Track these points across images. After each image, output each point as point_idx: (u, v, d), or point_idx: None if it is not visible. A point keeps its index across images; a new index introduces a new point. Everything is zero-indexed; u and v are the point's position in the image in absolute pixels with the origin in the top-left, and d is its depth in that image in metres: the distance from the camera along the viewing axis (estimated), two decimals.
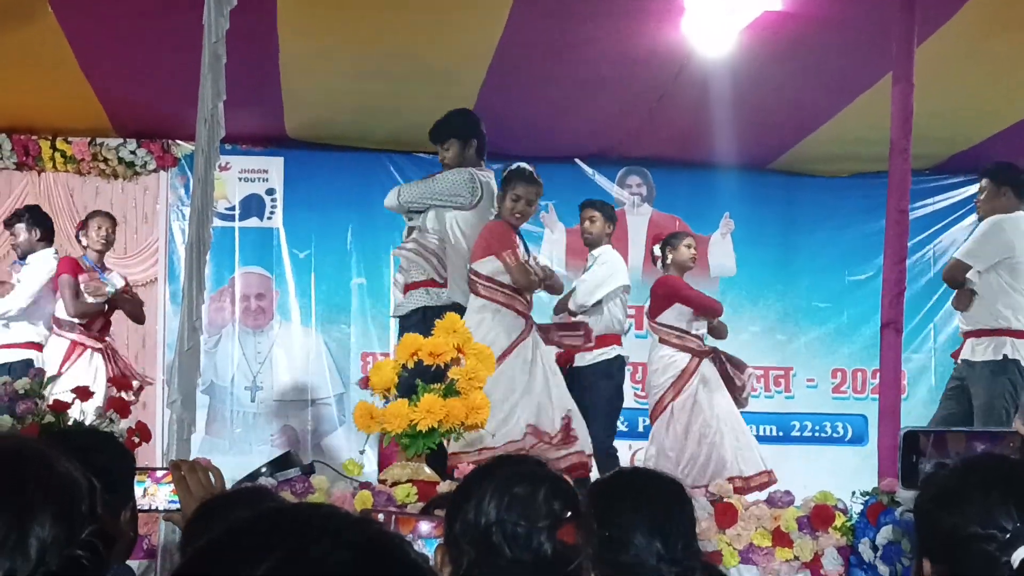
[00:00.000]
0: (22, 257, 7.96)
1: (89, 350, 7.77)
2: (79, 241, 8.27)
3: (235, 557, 1.03)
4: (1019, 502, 1.68)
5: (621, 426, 8.19)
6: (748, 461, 7.42)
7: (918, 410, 9.78)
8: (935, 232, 10.15)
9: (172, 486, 2.93)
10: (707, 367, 7.66)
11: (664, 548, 2.40)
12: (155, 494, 2.97)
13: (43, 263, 7.87)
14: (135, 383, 7.58)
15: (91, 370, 7.60)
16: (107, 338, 7.92)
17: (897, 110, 6.01)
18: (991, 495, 1.70)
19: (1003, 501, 1.69)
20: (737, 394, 7.72)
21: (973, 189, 10.19)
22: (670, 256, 7.83)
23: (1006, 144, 9.12)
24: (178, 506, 2.92)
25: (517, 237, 6.73)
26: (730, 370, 7.69)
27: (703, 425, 7.53)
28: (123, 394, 6.30)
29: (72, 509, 1.43)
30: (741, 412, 7.76)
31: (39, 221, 8.03)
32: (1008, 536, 1.66)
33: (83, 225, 8.24)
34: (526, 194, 6.66)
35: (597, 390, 7.41)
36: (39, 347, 7.77)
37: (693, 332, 7.72)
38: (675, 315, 7.72)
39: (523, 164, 6.80)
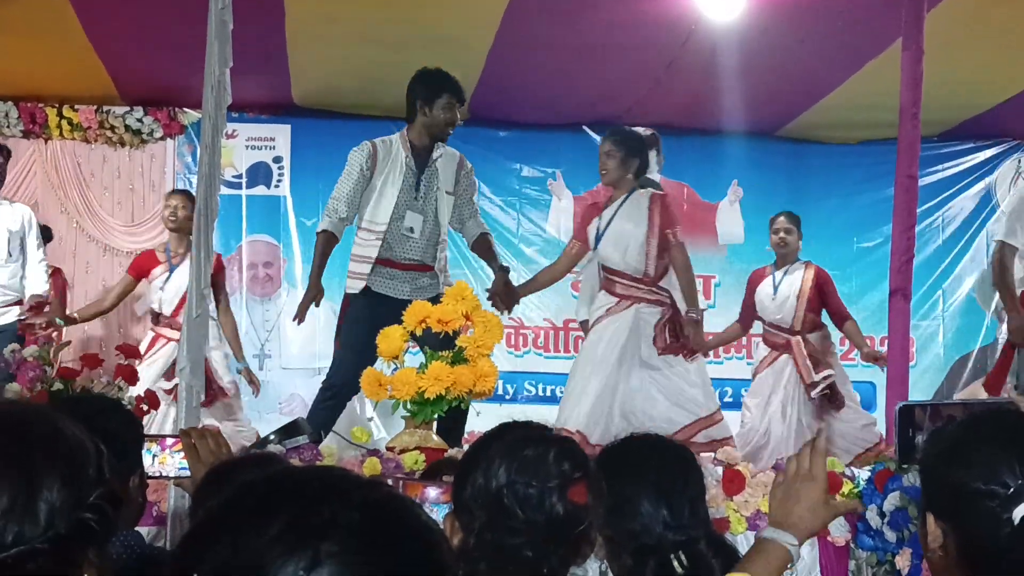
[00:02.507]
0: None
1: (172, 343, 7.58)
2: None
3: (246, 517, 1.04)
4: (1022, 457, 1.68)
5: None
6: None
7: (926, 377, 9.79)
8: (944, 199, 10.12)
9: (182, 453, 2.95)
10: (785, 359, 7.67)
11: (670, 515, 2.41)
12: (165, 461, 2.99)
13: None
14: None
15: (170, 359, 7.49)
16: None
17: (907, 76, 5.97)
18: (995, 449, 1.70)
19: (1007, 456, 1.69)
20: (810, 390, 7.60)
21: (983, 156, 10.19)
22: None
23: (1016, 110, 9.09)
24: (188, 473, 2.93)
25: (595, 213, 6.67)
26: (802, 366, 7.58)
27: (761, 409, 7.57)
28: (132, 362, 6.32)
29: (79, 473, 1.43)
30: None
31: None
32: (1011, 492, 1.66)
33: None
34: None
35: None
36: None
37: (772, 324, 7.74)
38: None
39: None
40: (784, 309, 7.71)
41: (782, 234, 7.80)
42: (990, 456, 1.70)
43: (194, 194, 7.94)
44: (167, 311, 7.78)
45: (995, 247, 6.67)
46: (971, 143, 10.04)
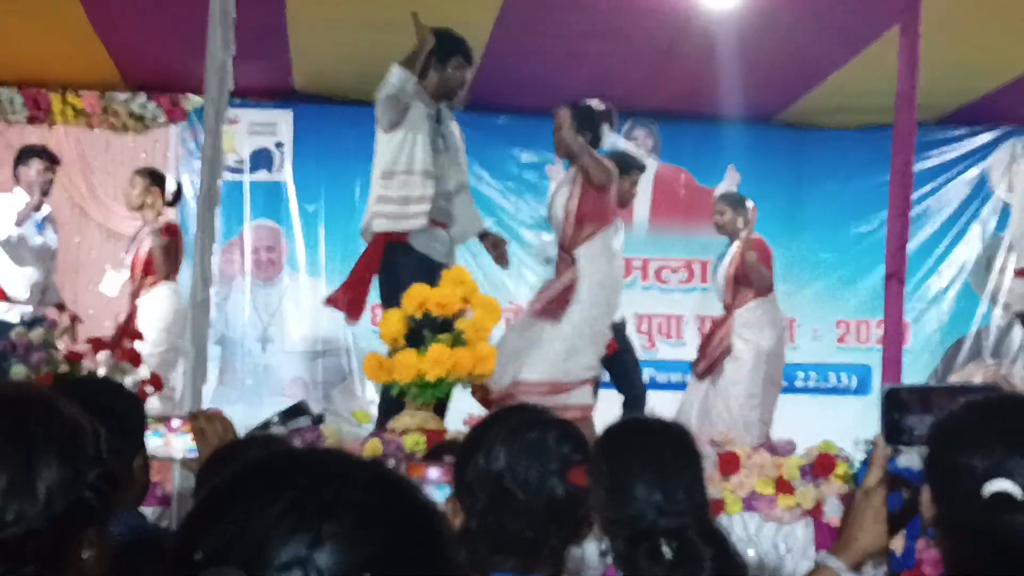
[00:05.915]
0: (44, 193, 7.75)
1: None
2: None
3: (250, 496, 1.05)
4: (1010, 439, 1.72)
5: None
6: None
7: (921, 360, 9.83)
8: (939, 184, 10.14)
9: (189, 435, 3.00)
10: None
11: (664, 501, 2.39)
12: (171, 443, 3.04)
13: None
14: None
15: None
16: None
17: (904, 61, 5.99)
18: (984, 428, 1.74)
19: (994, 436, 1.72)
20: None
21: (978, 141, 10.21)
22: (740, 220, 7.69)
23: (1012, 96, 9.11)
24: (196, 455, 2.98)
25: None
26: None
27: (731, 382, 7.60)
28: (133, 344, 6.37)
29: (77, 452, 1.45)
30: None
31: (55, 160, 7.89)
32: (987, 467, 1.69)
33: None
34: None
35: None
36: None
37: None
38: None
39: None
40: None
41: None
42: (978, 434, 1.74)
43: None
44: None
45: None
46: (966, 128, 10.07)
